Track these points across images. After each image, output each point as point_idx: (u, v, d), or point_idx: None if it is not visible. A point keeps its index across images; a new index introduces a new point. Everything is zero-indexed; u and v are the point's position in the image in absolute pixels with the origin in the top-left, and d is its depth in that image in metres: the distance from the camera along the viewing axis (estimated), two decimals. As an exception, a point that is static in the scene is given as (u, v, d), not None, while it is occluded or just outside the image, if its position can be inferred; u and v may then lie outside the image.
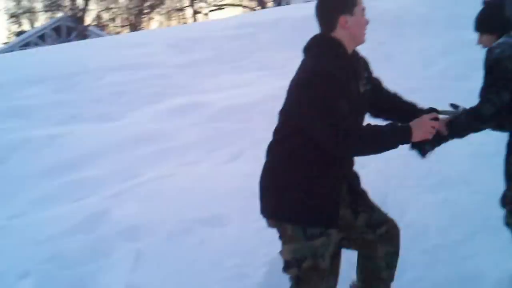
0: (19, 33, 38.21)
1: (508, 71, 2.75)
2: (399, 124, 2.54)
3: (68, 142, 6.24)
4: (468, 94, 6.30)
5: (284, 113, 2.74)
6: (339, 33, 2.59)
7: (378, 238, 2.76)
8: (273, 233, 3.86)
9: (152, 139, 6.14)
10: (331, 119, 2.38)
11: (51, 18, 36.94)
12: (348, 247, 2.86)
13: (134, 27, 44.16)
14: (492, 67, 2.83)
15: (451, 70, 7.35)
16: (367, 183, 4.59)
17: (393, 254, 2.82)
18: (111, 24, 46.02)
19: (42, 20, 39.09)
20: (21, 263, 3.78)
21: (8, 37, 41.82)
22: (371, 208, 2.84)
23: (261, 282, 3.50)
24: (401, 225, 4.07)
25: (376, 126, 2.48)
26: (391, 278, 2.87)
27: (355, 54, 2.73)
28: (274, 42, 10.09)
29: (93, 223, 4.35)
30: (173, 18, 52.27)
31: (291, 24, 11.03)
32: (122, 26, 46.12)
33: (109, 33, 38.99)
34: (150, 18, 51.22)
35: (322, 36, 2.67)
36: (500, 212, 3.15)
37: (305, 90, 2.50)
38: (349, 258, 2.98)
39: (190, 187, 4.87)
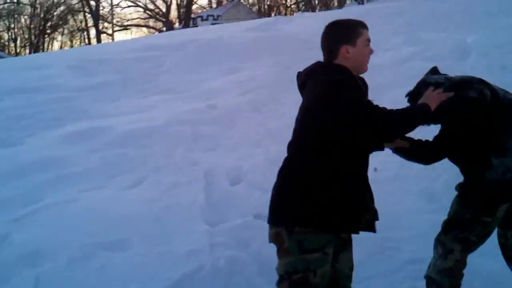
0: None
1: None
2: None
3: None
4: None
5: (305, 129, 2.75)
6: (341, 62, 2.74)
7: None
8: (175, 257, 3.92)
9: (52, 164, 6.02)
10: (369, 106, 2.54)
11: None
12: None
13: (36, 47, 43.06)
14: None
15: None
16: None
17: None
18: (11, 45, 44.71)
19: None
20: None
21: None
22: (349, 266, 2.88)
23: (163, 306, 3.51)
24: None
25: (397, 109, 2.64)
26: None
27: (360, 78, 2.84)
28: (179, 65, 10.13)
29: (-7, 248, 4.23)
30: (76, 39, 51.42)
31: (197, 47, 11.11)
32: (23, 47, 44.88)
33: (10, 54, 37.76)
34: (52, 39, 50.12)
35: (325, 62, 2.83)
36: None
37: (334, 95, 2.56)
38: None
39: (91, 212, 4.81)
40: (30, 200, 5.20)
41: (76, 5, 50.28)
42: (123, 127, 6.89)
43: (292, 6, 56.76)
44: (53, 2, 48.36)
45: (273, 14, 46.23)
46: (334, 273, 2.71)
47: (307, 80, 2.80)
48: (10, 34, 45.52)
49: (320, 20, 15.20)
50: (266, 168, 5.53)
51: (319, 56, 9.32)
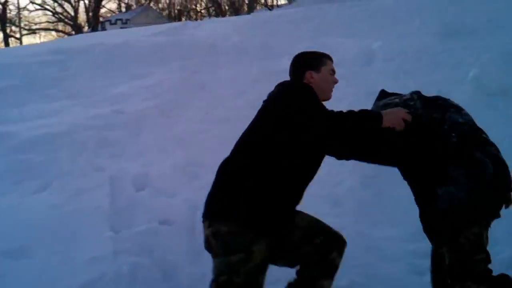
0: None
1: None
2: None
3: None
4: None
5: (254, 130, 3.02)
6: None
7: (314, 248, 2.92)
8: (78, 264, 3.88)
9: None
10: (324, 111, 2.79)
11: None
12: (284, 264, 3.02)
13: None
14: None
15: (260, 99, 7.68)
16: (176, 213, 4.78)
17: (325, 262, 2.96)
18: None
19: None
20: None
21: None
22: (308, 221, 3.01)
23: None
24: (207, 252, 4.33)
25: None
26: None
27: None
28: (85, 69, 9.93)
29: None
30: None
31: (104, 51, 10.93)
32: None
33: None
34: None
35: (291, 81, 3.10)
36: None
37: (293, 98, 2.87)
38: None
39: (-6, 218, 4.67)
40: None
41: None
42: (27, 133, 6.68)
43: (203, 11, 56.83)
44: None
45: (183, 19, 46.05)
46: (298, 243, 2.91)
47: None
48: None
49: (228, 25, 15.39)
50: (171, 174, 5.57)
51: (226, 61, 9.40)
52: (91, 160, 5.85)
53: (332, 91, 3.09)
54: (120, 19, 47.50)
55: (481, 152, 2.86)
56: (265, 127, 2.91)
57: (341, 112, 2.80)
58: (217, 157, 5.86)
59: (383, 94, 3.29)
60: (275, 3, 50.07)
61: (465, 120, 2.98)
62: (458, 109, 3.05)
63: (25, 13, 50.87)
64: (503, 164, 2.92)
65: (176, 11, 57.58)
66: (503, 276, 2.90)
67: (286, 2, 44.94)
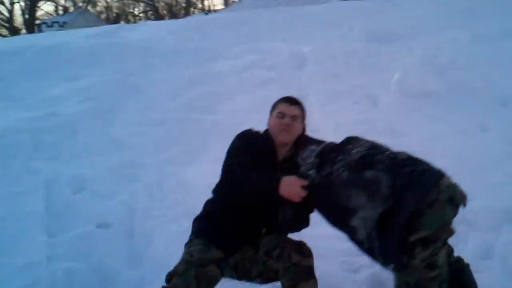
0: None
1: None
2: (275, 175, 2.96)
3: None
4: (212, 125, 6.69)
5: None
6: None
7: (276, 259, 3.00)
8: (10, 270, 3.78)
9: None
10: (231, 159, 3.12)
11: None
12: (260, 281, 3.15)
13: None
14: None
15: (196, 102, 7.61)
16: (113, 216, 4.65)
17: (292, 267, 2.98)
18: None
19: None
20: None
21: None
22: (268, 239, 3.12)
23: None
24: (147, 254, 4.22)
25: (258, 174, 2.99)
26: None
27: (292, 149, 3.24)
28: (18, 72, 9.52)
29: None
30: None
31: (36, 53, 10.52)
32: None
33: None
34: None
35: None
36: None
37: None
38: None
39: None
40: None
41: None
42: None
43: (141, 14, 55.97)
44: None
45: (122, 23, 45.28)
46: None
47: None
48: None
49: (163, 28, 15.19)
50: (108, 176, 5.41)
51: (159, 63, 9.24)
52: (26, 163, 5.59)
53: (281, 133, 3.22)
54: (57, 22, 46.20)
55: (372, 169, 2.76)
56: None
57: (242, 172, 3.02)
58: (154, 159, 5.84)
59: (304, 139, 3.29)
60: (211, 8, 49.98)
61: (358, 150, 2.90)
62: (354, 143, 2.99)
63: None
64: (402, 164, 2.78)
65: (114, 14, 56.53)
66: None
67: (223, 6, 44.91)
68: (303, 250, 3.07)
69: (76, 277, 3.66)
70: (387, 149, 2.91)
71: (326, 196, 2.89)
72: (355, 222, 2.78)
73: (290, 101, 3.37)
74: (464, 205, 2.70)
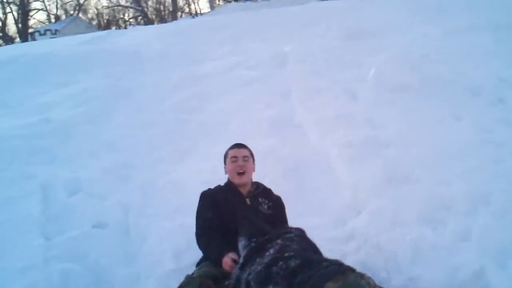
0: None
1: None
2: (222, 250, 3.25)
3: None
4: (199, 125, 6.64)
5: None
6: None
7: None
8: (8, 274, 3.75)
9: None
10: (197, 220, 3.60)
11: None
12: None
13: None
14: None
15: (184, 103, 7.55)
16: (108, 216, 4.58)
17: None
18: None
19: None
20: None
21: None
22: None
23: None
24: (142, 252, 4.16)
25: (213, 239, 3.39)
26: None
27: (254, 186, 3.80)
28: (10, 80, 9.41)
29: None
30: None
31: (28, 60, 10.42)
32: None
33: None
34: None
35: None
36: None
37: None
38: None
39: None
40: None
41: None
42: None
43: (131, 20, 55.61)
44: None
45: (113, 28, 44.99)
46: None
47: None
48: None
49: (151, 33, 15.09)
50: (102, 177, 5.33)
51: (147, 67, 9.17)
52: (22, 168, 5.48)
53: (238, 176, 3.70)
54: (50, 30, 45.80)
55: (271, 284, 2.69)
56: None
57: (203, 238, 3.48)
58: (146, 159, 5.79)
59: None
60: (198, 11, 49.79)
61: (264, 261, 2.85)
62: (271, 245, 2.98)
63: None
64: (294, 273, 2.65)
65: (105, 21, 56.13)
66: None
67: (209, 10, 44.79)
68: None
69: (72, 278, 3.58)
70: (286, 253, 2.82)
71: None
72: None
73: (238, 145, 3.87)
74: None
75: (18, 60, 10.47)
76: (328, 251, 3.88)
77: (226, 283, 3.04)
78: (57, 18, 54.35)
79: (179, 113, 7.13)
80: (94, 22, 55.70)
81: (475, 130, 5.13)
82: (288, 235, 3.08)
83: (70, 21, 50.19)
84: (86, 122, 6.85)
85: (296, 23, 13.15)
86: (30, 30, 47.98)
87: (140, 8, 51.27)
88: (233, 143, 4.04)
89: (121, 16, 56.70)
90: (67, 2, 55.26)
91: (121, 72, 9.47)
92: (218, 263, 3.19)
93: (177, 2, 49.19)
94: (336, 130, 5.61)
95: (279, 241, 2.97)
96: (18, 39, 46.38)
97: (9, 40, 46.16)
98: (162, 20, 46.90)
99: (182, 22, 21.21)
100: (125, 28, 44.78)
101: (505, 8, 9.99)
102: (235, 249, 3.21)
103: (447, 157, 4.66)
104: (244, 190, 3.71)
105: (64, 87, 8.68)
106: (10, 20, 57.28)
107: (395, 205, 4.05)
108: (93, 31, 37.62)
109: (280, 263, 2.73)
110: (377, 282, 2.86)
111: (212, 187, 3.82)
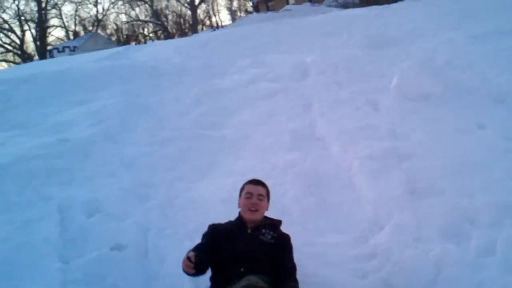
0: None
1: None
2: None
3: None
4: (220, 140, 6.69)
5: None
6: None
7: None
8: None
9: None
10: None
11: None
12: None
13: None
14: None
15: (204, 118, 7.61)
16: (127, 237, 4.62)
17: None
18: None
19: None
20: None
21: None
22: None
23: None
24: (161, 274, 4.18)
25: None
26: None
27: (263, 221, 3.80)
28: (29, 99, 9.53)
29: None
30: None
31: (45, 79, 10.57)
32: None
33: None
34: None
35: None
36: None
37: None
38: None
39: None
40: None
41: None
42: (-30, 166, 6.32)
43: (150, 34, 56.14)
44: None
45: (133, 44, 45.52)
46: None
47: None
48: None
49: (170, 47, 15.21)
50: (121, 197, 5.36)
51: (167, 83, 9.24)
52: (39, 189, 5.55)
53: (250, 212, 3.72)
54: (68, 47, 46.42)
55: None
56: None
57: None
58: (165, 177, 5.83)
59: None
60: (219, 24, 50.13)
61: None
62: None
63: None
64: None
65: (124, 36, 56.78)
66: None
67: (231, 22, 45.07)
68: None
69: (90, 301, 3.62)
70: None
71: None
72: None
73: (255, 182, 3.88)
74: None
75: (36, 79, 10.63)
76: (350, 270, 3.90)
77: None
78: (76, 34, 55.14)
79: (198, 128, 7.19)
80: (114, 38, 56.34)
81: (500, 138, 5.09)
82: None
83: (89, 37, 50.82)
84: (104, 140, 6.92)
85: (317, 33, 13.19)
86: (49, 48, 48.74)
87: (159, 23, 51.79)
88: (251, 179, 4.03)
89: (141, 31, 57.38)
90: (86, 18, 56.15)
91: (139, 88, 9.57)
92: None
93: (197, 15, 49.63)
94: (358, 142, 5.62)
95: None
96: (36, 57, 47.17)
97: (27, 58, 47.00)
98: (183, 34, 47.28)
99: (202, 35, 21.38)
100: (145, 43, 45.32)
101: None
102: (227, 275, 3.38)
103: (470, 167, 4.63)
104: (251, 224, 3.74)
105: (82, 105, 8.79)
106: (28, 38, 58.22)
107: (418, 219, 4.04)
108: (112, 46, 38.00)
109: None
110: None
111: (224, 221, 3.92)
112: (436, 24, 10.86)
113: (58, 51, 45.20)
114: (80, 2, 53.16)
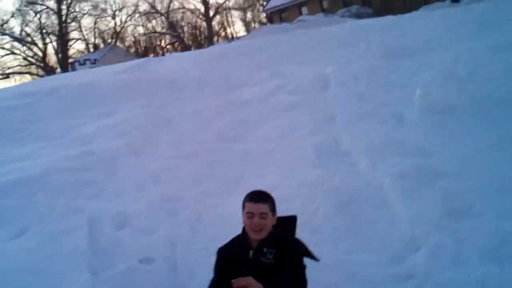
0: None
1: None
2: None
3: None
4: (244, 154, 6.55)
5: None
6: None
7: None
8: None
9: None
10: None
11: None
12: None
13: None
14: None
15: (226, 131, 7.53)
16: (155, 251, 4.50)
17: None
18: None
19: None
20: None
21: None
22: None
23: None
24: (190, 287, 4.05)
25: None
26: None
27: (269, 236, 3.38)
28: (52, 111, 9.58)
29: None
30: (-49, 87, 47.80)
31: (69, 91, 10.60)
32: None
33: None
34: None
35: None
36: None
37: None
38: None
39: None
40: None
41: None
42: (1, 178, 6.25)
43: (168, 46, 56.32)
44: None
45: (152, 56, 45.66)
46: None
47: None
48: None
49: (188, 59, 15.18)
50: (150, 211, 5.32)
51: (187, 95, 9.17)
52: (69, 202, 5.52)
53: (253, 232, 3.32)
54: (89, 59, 46.70)
55: None
56: None
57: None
58: (192, 191, 5.72)
59: None
60: (235, 35, 50.20)
61: None
62: None
63: (-3, 58, 49.16)
64: None
65: (142, 48, 57.03)
66: None
67: (245, 33, 45.11)
68: None
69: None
70: None
71: None
72: None
73: (256, 200, 3.39)
74: None
75: (59, 91, 10.65)
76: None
77: None
78: (96, 47, 55.52)
79: (221, 142, 7.09)
80: (132, 50, 56.61)
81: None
82: None
83: (109, 49, 51.14)
84: (129, 153, 6.87)
85: (334, 43, 13.07)
86: (70, 60, 49.06)
87: (176, 34, 51.96)
88: (252, 194, 3.50)
89: (158, 43, 57.59)
90: (104, 31, 56.49)
91: (160, 101, 9.53)
92: None
93: (212, 27, 49.71)
94: (386, 158, 5.41)
95: None
96: (58, 69, 47.47)
97: (50, 70, 47.31)
98: (199, 45, 47.35)
99: (218, 47, 21.32)
100: (163, 54, 45.43)
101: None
102: None
103: (509, 188, 4.39)
104: (256, 242, 3.46)
105: (105, 118, 8.76)
106: (50, 51, 58.71)
107: (456, 241, 3.85)
108: (132, 58, 38.15)
109: None
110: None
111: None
112: (454, 34, 10.67)
113: (80, 64, 45.49)
114: (98, 15, 53.56)
